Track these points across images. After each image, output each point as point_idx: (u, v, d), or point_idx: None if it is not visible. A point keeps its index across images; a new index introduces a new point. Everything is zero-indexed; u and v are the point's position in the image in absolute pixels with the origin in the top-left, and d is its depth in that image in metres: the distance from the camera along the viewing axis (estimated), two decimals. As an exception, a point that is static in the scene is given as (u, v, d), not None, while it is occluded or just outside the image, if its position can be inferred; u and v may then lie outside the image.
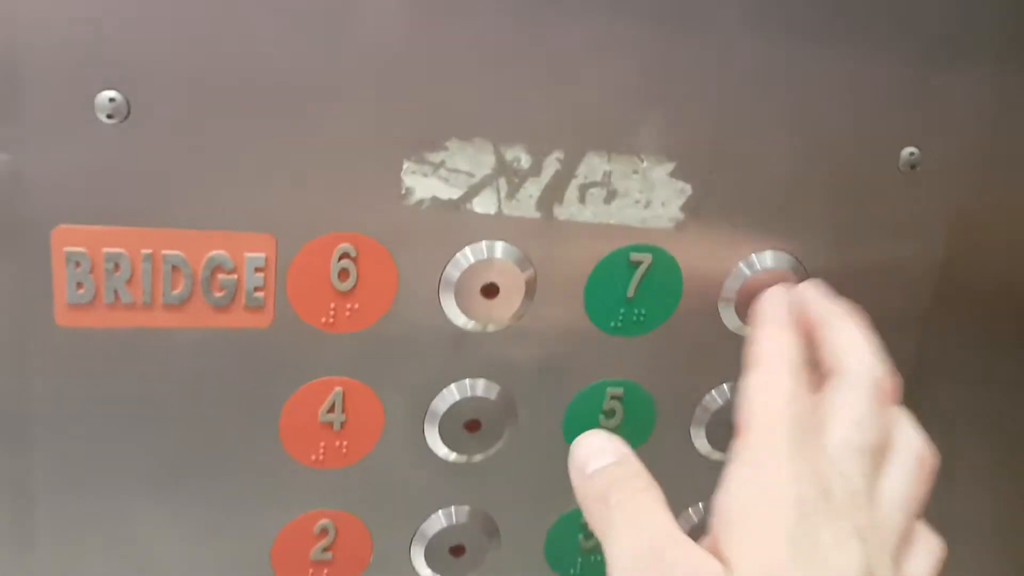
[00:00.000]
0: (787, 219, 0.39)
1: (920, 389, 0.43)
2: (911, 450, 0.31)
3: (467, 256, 0.36)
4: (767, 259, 0.39)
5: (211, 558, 0.38)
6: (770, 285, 0.37)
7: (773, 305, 0.35)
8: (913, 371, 0.43)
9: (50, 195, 0.31)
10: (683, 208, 0.37)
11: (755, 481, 0.28)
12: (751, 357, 0.32)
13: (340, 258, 0.34)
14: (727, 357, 0.40)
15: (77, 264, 0.32)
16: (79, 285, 0.32)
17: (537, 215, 0.36)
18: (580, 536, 0.42)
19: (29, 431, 0.34)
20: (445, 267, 0.36)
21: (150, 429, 0.35)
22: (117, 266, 0.32)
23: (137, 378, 0.34)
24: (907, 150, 0.38)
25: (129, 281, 0.32)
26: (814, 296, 0.35)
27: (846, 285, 0.40)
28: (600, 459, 0.31)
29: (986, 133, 0.39)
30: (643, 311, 0.39)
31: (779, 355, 0.32)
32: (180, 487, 0.36)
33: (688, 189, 0.37)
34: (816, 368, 0.33)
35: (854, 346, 0.33)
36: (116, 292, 0.32)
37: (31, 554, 0.36)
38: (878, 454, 0.30)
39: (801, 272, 0.39)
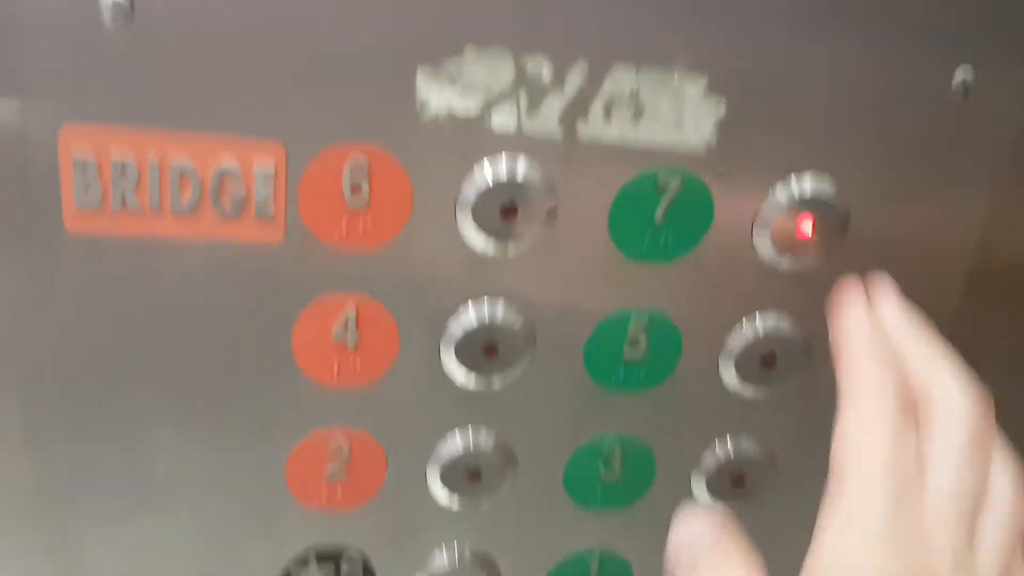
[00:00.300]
0: (828, 143, 0.36)
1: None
2: (1005, 496, 0.29)
3: (485, 175, 0.34)
4: (806, 184, 0.36)
5: (226, 476, 0.38)
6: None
7: (858, 329, 0.31)
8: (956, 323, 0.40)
9: (55, 101, 0.30)
10: (716, 128, 0.34)
11: (852, 534, 0.28)
12: (846, 392, 0.30)
13: (352, 171, 0.33)
14: (759, 287, 0.38)
15: (84, 168, 0.31)
16: (86, 188, 0.31)
17: (559, 134, 0.34)
18: (601, 468, 0.41)
19: (37, 344, 0.33)
20: (462, 186, 0.34)
21: (160, 344, 0.34)
22: (124, 171, 0.31)
23: (147, 291, 0.33)
24: (961, 71, 0.35)
25: (136, 187, 0.31)
26: (895, 317, 0.32)
27: (888, 213, 0.37)
28: (693, 527, 0.30)
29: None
30: (670, 237, 0.36)
31: (878, 393, 0.29)
32: (192, 403, 0.36)
33: (722, 108, 0.34)
34: (906, 397, 0.30)
35: (945, 379, 0.30)
36: (124, 198, 0.31)
37: (44, 472, 0.36)
38: (976, 502, 0.29)
39: (839, 202, 0.36)
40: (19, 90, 0.30)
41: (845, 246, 0.37)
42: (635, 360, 0.38)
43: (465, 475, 0.40)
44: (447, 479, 0.39)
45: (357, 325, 0.36)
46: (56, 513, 0.37)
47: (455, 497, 0.40)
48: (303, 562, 0.40)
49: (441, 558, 0.41)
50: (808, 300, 0.38)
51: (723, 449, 0.41)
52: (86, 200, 0.31)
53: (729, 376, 0.39)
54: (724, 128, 0.34)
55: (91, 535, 0.38)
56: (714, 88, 0.34)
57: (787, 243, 0.37)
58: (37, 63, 0.30)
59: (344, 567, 0.40)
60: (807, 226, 0.37)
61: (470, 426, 0.39)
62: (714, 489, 0.42)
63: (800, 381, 0.40)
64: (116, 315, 0.33)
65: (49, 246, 0.32)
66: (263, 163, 0.32)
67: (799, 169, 0.36)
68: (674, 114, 0.34)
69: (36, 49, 0.29)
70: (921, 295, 0.39)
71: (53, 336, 0.33)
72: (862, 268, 0.38)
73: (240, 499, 0.38)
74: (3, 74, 0.30)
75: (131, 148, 0.31)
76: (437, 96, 0.32)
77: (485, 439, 0.39)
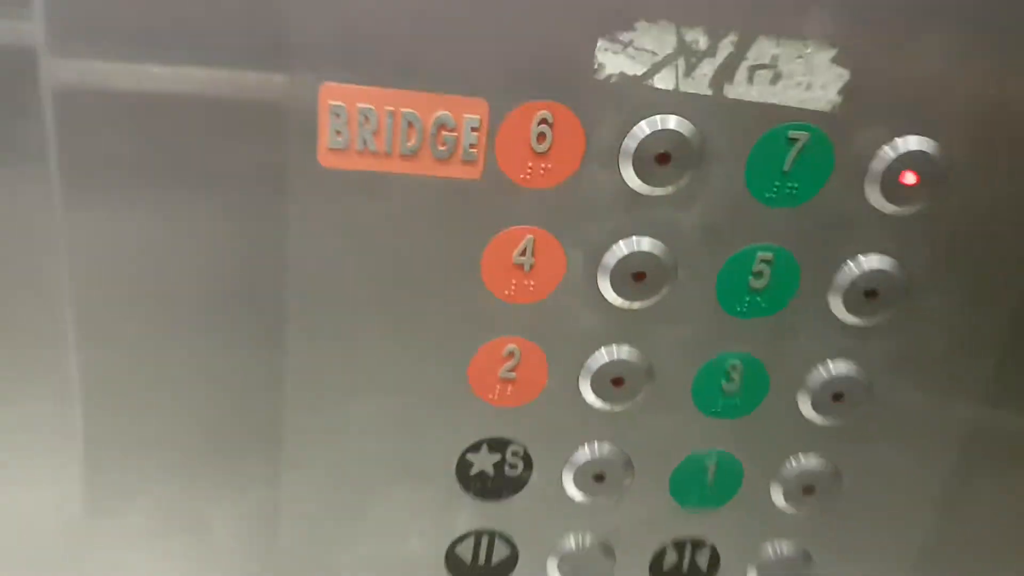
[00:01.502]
0: (937, 110, 0.39)
1: None
2: None
3: (643, 128, 0.38)
4: (911, 143, 0.39)
5: (420, 370, 0.43)
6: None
7: None
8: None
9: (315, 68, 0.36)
10: (840, 92, 0.38)
11: None
12: None
13: (539, 123, 0.37)
14: (869, 231, 0.41)
15: (337, 116, 0.36)
16: (338, 133, 0.37)
17: (709, 92, 0.38)
18: (723, 381, 0.45)
19: (285, 270, 0.39)
20: (626, 137, 0.38)
21: (383, 257, 0.40)
22: (367, 119, 0.36)
23: (378, 217, 0.39)
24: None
25: (375, 133, 0.37)
26: None
27: (987, 174, 0.40)
28: None
29: None
30: (796, 185, 0.40)
31: None
32: (397, 305, 0.41)
33: (847, 75, 0.38)
34: None
35: None
36: (365, 141, 0.37)
37: (258, 369, 0.42)
38: None
39: (941, 159, 0.39)
40: (286, 64, 0.35)
41: (947, 196, 0.41)
42: (758, 290, 0.42)
43: (610, 381, 0.44)
44: (595, 385, 0.44)
45: (533, 252, 0.41)
46: (264, 403, 0.43)
47: (601, 401, 0.45)
48: (476, 448, 0.45)
49: (584, 452, 0.46)
50: (912, 242, 0.42)
51: (826, 369, 0.45)
52: (336, 142, 0.37)
53: (837, 306, 0.43)
54: (847, 91, 0.38)
55: (297, 421, 0.44)
56: (841, 57, 0.37)
57: (894, 192, 0.40)
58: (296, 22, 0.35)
59: (509, 455, 0.46)
60: (911, 178, 0.40)
61: (616, 340, 0.43)
62: (816, 404, 0.45)
63: (899, 314, 0.43)
64: (352, 236, 0.39)
65: (303, 175, 0.37)
66: (471, 115, 0.37)
67: (910, 130, 0.39)
68: (806, 79, 0.38)
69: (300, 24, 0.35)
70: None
71: (305, 256, 0.39)
72: (960, 218, 0.42)
73: (427, 393, 0.44)
74: (275, 49, 0.35)
75: (372, 101, 0.36)
76: (612, 62, 0.37)
77: (627, 352, 0.44)
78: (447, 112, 0.37)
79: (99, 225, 0.38)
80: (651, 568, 0.50)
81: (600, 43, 0.36)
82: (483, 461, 0.46)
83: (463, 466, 0.46)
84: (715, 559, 0.50)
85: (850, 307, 0.43)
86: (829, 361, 0.45)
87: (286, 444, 0.44)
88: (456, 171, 0.38)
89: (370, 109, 0.36)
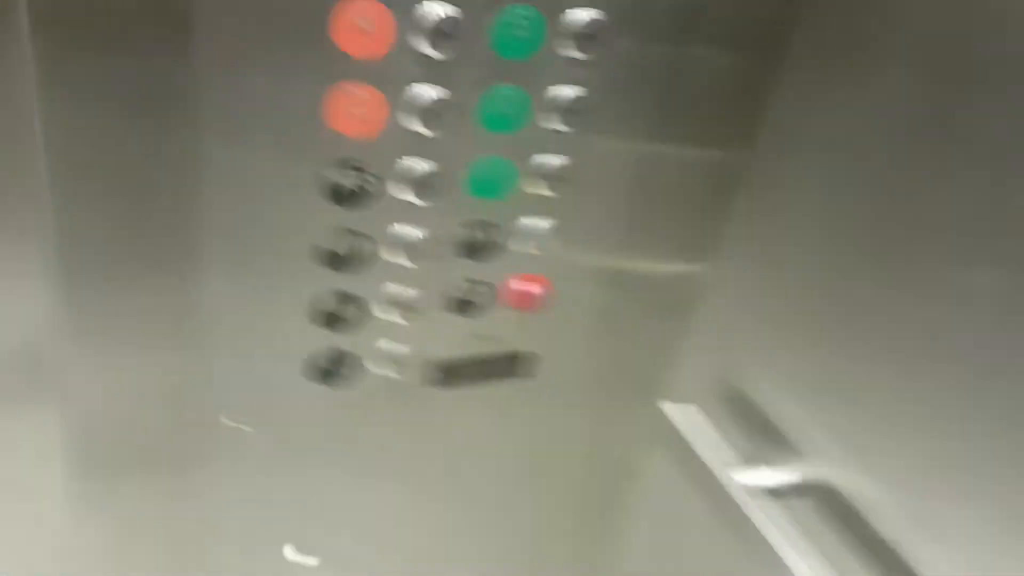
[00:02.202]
0: None
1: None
2: None
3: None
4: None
5: (288, 116, 0.58)
6: None
7: None
8: None
9: None
10: None
11: None
12: None
13: (374, -81, 0.51)
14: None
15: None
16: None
17: None
18: (500, 105, 0.64)
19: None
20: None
21: (267, 38, 0.53)
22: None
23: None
24: None
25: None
26: None
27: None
28: None
29: None
30: (541, -38, 0.58)
31: None
32: (274, 72, 0.55)
33: None
34: None
35: None
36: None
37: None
38: None
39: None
40: None
41: None
42: (519, 38, 0.62)
43: (427, 112, 0.62)
44: (417, 115, 0.62)
45: (371, 19, 0.56)
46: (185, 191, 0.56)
47: (423, 127, 0.63)
48: (338, 169, 0.62)
49: (411, 163, 0.64)
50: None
51: (558, 90, 0.66)
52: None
53: (567, 46, 0.64)
54: None
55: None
56: None
57: None
58: None
59: (363, 173, 0.63)
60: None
61: (430, 84, 0.61)
62: (558, 117, 0.67)
63: (605, 50, 0.65)
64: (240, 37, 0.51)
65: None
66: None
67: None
68: None
69: None
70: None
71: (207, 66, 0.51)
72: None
73: (298, 134, 0.59)
74: None
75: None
76: None
77: (439, 90, 0.61)
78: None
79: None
80: (459, 246, 0.71)
81: None
82: (343, 178, 0.62)
83: (328, 183, 0.62)
84: (501, 238, 0.72)
85: (576, 47, 0.64)
86: (565, 85, 0.66)
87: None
88: (315, -43, 0.52)
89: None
